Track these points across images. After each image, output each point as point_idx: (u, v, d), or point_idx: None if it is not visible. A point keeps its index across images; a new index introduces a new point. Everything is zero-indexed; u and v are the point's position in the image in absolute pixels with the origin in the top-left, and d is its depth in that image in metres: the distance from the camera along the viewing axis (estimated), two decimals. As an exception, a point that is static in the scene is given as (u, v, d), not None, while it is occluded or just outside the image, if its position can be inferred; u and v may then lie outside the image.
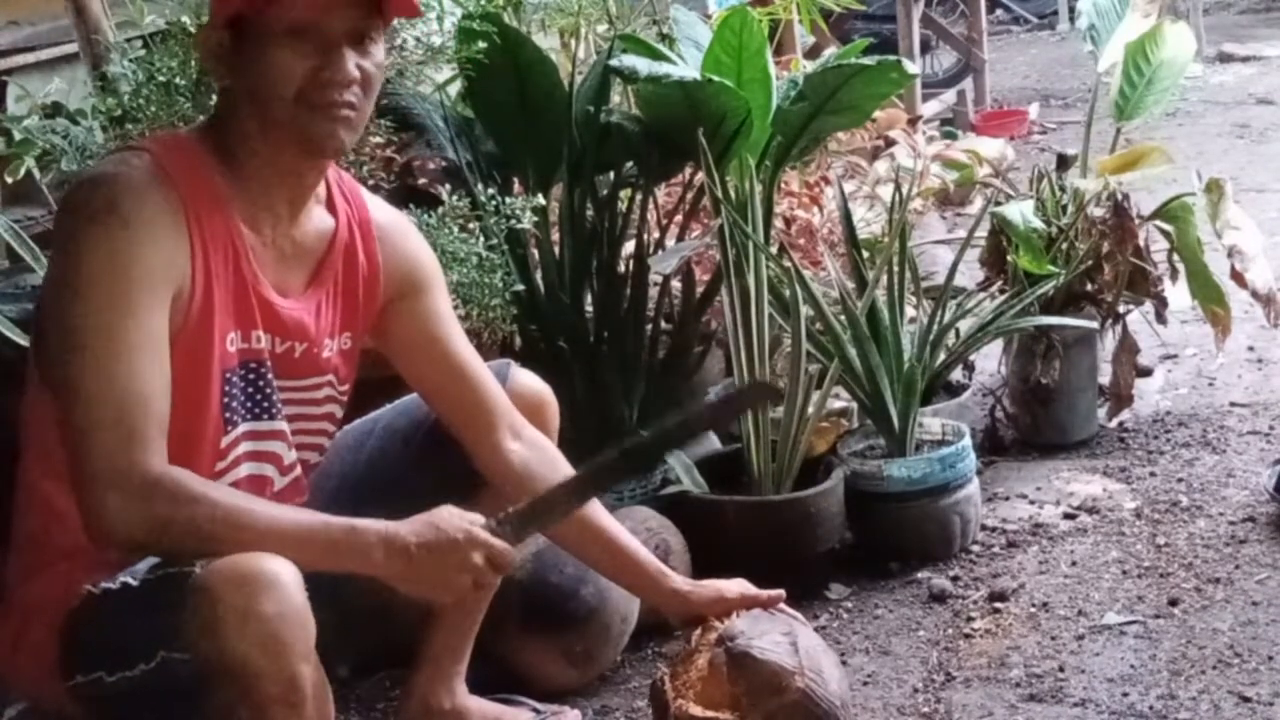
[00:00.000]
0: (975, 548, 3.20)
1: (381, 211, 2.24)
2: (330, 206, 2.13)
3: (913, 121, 5.90)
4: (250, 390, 2.05)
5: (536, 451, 2.33)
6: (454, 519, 1.95)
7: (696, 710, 2.17)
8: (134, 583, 1.87)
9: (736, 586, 2.34)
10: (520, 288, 3.04)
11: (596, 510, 2.34)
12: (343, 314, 2.15)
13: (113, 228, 1.86)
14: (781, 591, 2.36)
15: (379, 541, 1.90)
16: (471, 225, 2.88)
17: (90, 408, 1.83)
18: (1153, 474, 3.54)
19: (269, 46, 1.94)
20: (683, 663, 2.26)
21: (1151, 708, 2.55)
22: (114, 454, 1.82)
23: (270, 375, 2.07)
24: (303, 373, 2.12)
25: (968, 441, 3.23)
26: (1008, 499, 3.46)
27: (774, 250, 3.37)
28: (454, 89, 3.27)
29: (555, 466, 2.33)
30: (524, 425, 2.34)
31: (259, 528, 1.84)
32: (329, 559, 1.88)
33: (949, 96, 7.63)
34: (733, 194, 3.16)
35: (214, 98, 2.20)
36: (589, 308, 3.24)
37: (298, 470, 2.15)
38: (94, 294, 1.86)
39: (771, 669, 2.18)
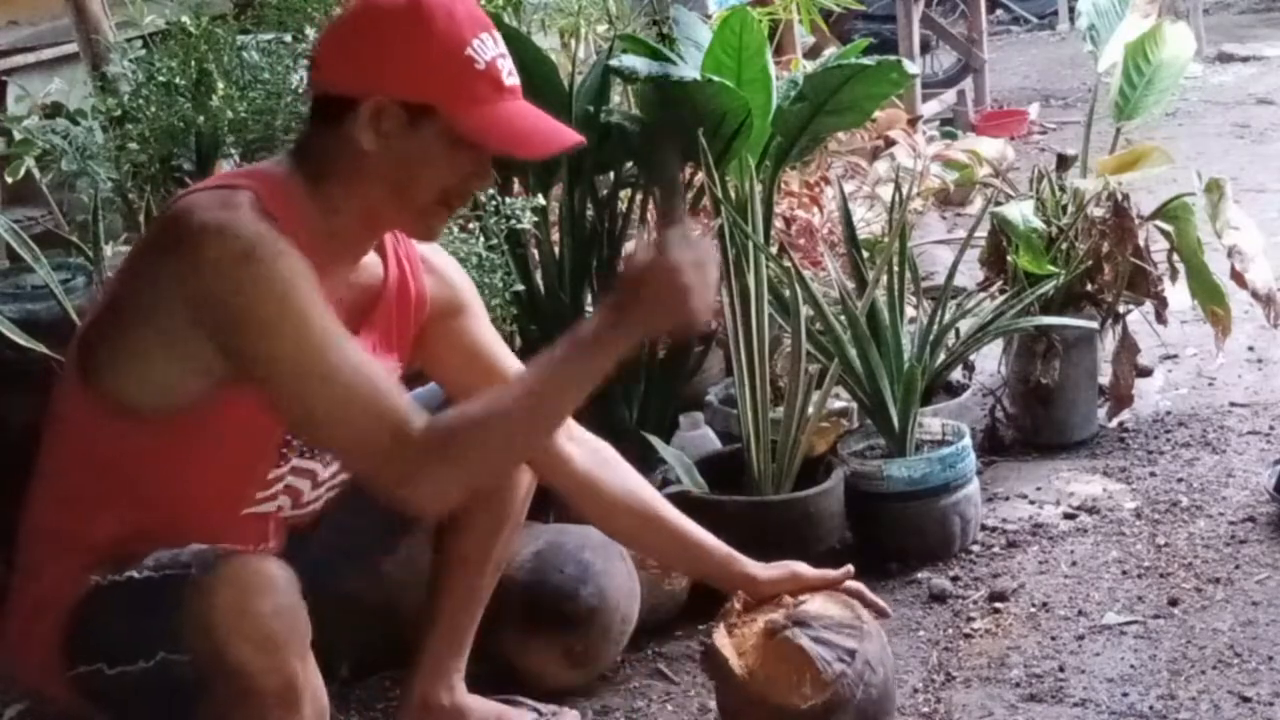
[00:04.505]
0: (975, 548, 3.20)
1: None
2: (378, 244, 2.14)
3: (913, 121, 5.91)
4: None
5: (594, 452, 2.35)
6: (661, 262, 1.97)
7: (728, 653, 2.23)
8: (139, 577, 1.89)
9: (792, 568, 2.38)
10: (520, 288, 3.04)
11: (656, 499, 2.36)
12: (398, 347, 2.18)
13: (270, 259, 1.86)
14: (850, 568, 2.39)
15: (609, 337, 1.96)
16: (471, 225, 2.89)
17: (349, 423, 1.88)
18: (1153, 474, 3.54)
19: (441, 145, 1.94)
20: (752, 609, 2.29)
21: (1151, 708, 2.55)
22: (393, 450, 1.87)
23: None
24: None
25: (968, 441, 3.23)
26: (1008, 499, 3.45)
27: (774, 250, 3.37)
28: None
29: (613, 465, 2.35)
30: (575, 426, 2.34)
31: (540, 407, 1.95)
32: (594, 378, 1.96)
33: (949, 96, 7.61)
34: (733, 194, 3.16)
35: (304, 129, 2.11)
36: (589, 308, 3.24)
37: (317, 506, 2.18)
38: (288, 325, 1.86)
39: (811, 668, 2.20)
